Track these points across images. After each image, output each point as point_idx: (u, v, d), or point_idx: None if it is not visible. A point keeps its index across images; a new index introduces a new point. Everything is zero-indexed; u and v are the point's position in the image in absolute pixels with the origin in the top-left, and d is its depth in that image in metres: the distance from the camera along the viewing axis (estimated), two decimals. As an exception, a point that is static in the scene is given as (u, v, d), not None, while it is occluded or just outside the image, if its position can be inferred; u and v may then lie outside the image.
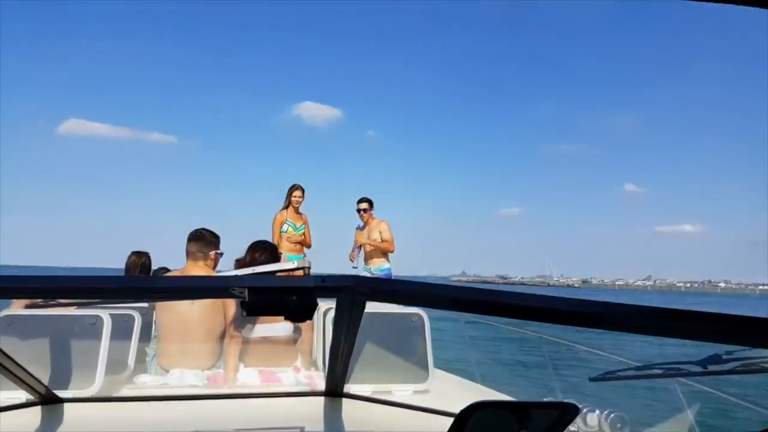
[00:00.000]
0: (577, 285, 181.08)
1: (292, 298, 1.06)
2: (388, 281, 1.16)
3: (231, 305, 3.11)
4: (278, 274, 2.18)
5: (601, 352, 3.18)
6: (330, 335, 2.94)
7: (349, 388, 2.65)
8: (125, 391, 2.71)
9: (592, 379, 1.92)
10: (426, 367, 2.98)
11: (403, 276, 6.87)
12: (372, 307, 3.71)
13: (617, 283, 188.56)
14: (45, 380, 2.55)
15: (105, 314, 2.82)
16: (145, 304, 3.41)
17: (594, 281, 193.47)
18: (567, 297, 0.99)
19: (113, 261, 5.29)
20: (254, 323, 3.10)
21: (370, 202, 6.81)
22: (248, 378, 2.92)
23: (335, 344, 1.84)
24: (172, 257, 3.45)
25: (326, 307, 3.81)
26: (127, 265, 5.20)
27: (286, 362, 3.19)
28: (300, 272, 1.49)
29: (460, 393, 3.16)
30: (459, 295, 1.08)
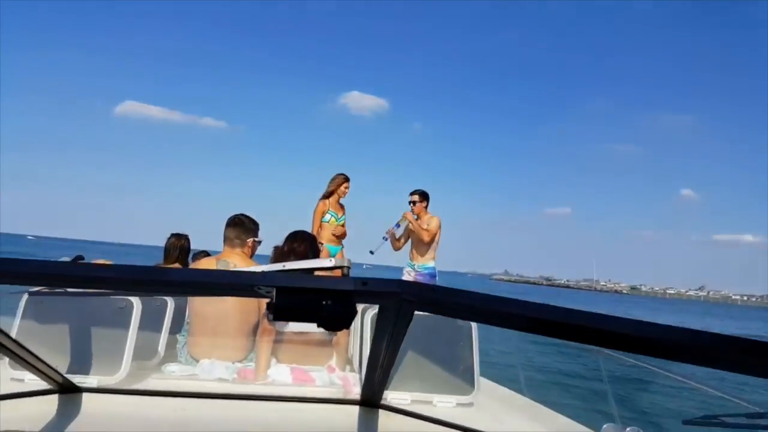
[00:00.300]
0: (625, 291, 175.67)
1: (327, 303, 0.92)
2: (441, 290, 0.94)
3: None
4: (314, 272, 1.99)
5: (684, 380, 2.81)
6: (368, 335, 2.74)
7: (387, 394, 2.45)
8: (151, 382, 2.57)
9: (686, 422, 1.57)
10: (471, 378, 2.73)
11: (442, 272, 6.54)
12: None
13: (668, 291, 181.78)
14: (67, 365, 2.45)
15: (136, 299, 2.69)
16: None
17: (643, 288, 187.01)
18: (648, 321, 0.81)
19: (162, 239, 5.26)
20: None
21: (423, 195, 6.43)
22: (279, 375, 2.74)
23: (375, 353, 1.63)
24: (216, 240, 3.32)
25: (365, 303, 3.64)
26: (167, 246, 5.15)
27: (320, 360, 3.01)
28: (338, 272, 1.27)
29: (508, 410, 2.89)
30: (529, 314, 0.87)
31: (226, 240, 3.25)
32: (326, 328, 0.95)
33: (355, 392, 2.70)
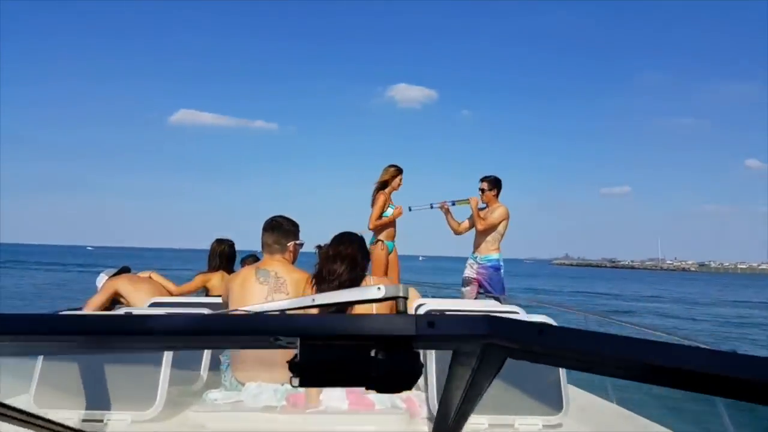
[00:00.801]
0: (693, 269, 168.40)
1: (377, 355, 0.64)
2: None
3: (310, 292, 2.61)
4: (353, 307, 1.59)
5: None
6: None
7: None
8: (190, 415, 2.27)
9: None
10: (559, 395, 2.32)
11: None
12: (482, 307, 3.07)
13: (740, 266, 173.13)
14: (96, 401, 2.18)
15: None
16: (217, 300, 3.00)
17: (713, 264, 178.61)
18: None
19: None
20: None
21: (493, 182, 5.91)
22: (333, 399, 2.39)
23: (450, 394, 1.24)
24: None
25: (423, 303, 3.22)
26: (210, 251, 4.91)
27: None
28: (388, 305, 0.89)
29: (604, 428, 2.44)
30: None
31: (265, 246, 2.95)
32: (379, 391, 0.65)
33: (422, 414, 2.34)
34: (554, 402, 2.30)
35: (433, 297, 3.90)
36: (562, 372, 2.34)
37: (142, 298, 3.93)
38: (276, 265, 2.85)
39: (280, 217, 3.01)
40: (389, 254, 5.63)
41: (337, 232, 2.90)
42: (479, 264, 5.93)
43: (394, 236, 5.72)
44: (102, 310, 4.03)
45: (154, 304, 3.35)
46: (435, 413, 2.13)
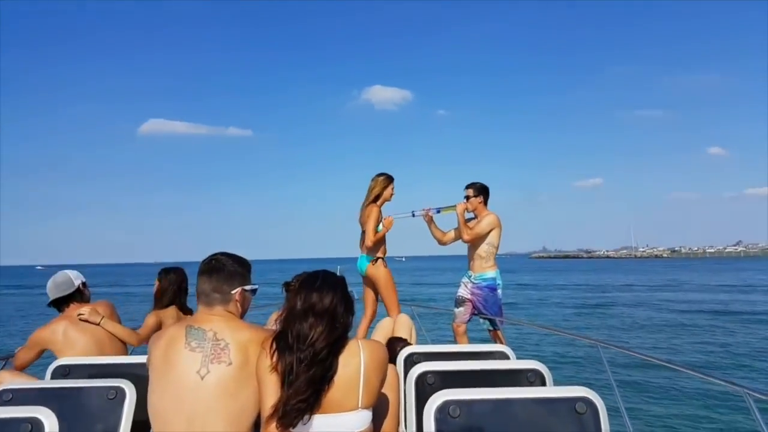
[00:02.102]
0: (665, 255, 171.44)
1: None
2: None
3: (266, 371, 1.89)
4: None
5: None
6: (433, 426, 1.69)
7: None
8: None
9: None
10: None
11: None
12: (495, 364, 2.42)
13: (708, 250, 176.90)
14: None
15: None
16: (141, 360, 2.28)
17: (683, 250, 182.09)
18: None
19: (198, 254, 4.14)
20: (311, 411, 1.86)
21: (480, 189, 5.34)
22: None
23: None
24: (251, 253, 2.28)
25: (412, 352, 2.61)
26: (157, 288, 4.12)
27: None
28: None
29: None
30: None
31: (201, 296, 2.17)
32: None
33: None
34: None
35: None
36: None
37: (76, 352, 3.21)
38: (215, 322, 2.09)
39: (223, 254, 2.23)
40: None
41: (313, 271, 2.11)
42: (473, 283, 5.31)
43: (386, 252, 5.07)
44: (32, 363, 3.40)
45: (59, 369, 2.62)
46: None
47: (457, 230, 5.38)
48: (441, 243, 5.52)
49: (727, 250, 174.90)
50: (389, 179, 5.07)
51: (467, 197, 5.31)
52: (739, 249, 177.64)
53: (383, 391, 2.15)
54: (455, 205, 5.31)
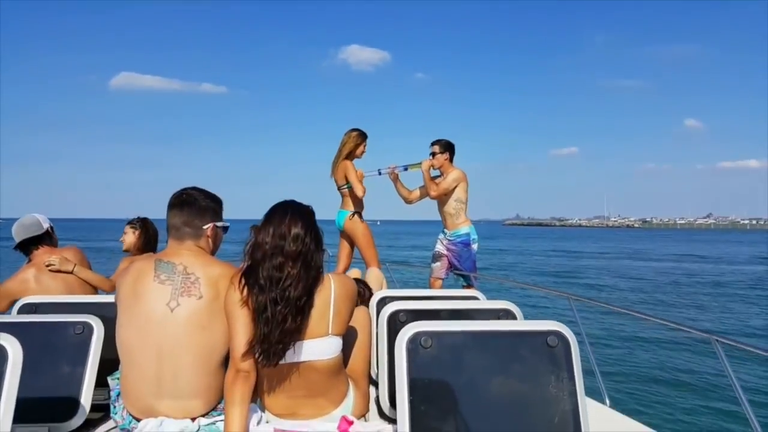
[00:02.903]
0: (637, 225, 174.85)
1: None
2: None
3: (236, 306, 1.86)
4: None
5: None
6: (405, 356, 1.69)
7: None
8: None
9: None
10: (576, 427, 1.69)
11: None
12: (467, 304, 2.42)
13: (679, 222, 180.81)
14: None
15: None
16: (110, 299, 2.24)
17: (654, 221, 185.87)
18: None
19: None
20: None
21: (445, 145, 5.28)
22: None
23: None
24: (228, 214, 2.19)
25: (384, 296, 2.60)
26: (136, 237, 4.04)
27: (328, 404, 1.97)
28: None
29: None
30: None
31: (171, 229, 2.10)
32: None
33: None
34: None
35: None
36: (581, 398, 1.70)
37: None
38: (185, 257, 2.03)
39: (194, 189, 2.16)
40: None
41: (281, 202, 2.00)
42: (449, 240, 5.32)
43: (363, 208, 5.04)
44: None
45: (25, 306, 2.56)
46: None
47: (423, 188, 5.36)
48: (407, 201, 5.51)
49: (697, 222, 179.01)
50: (362, 136, 4.98)
51: (433, 154, 5.26)
52: (710, 221, 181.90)
53: (354, 327, 2.15)
54: (420, 162, 5.27)
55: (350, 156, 4.92)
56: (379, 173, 5.21)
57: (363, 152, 4.99)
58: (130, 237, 4.04)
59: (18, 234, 3.45)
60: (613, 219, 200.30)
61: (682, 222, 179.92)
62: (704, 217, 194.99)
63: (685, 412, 6.97)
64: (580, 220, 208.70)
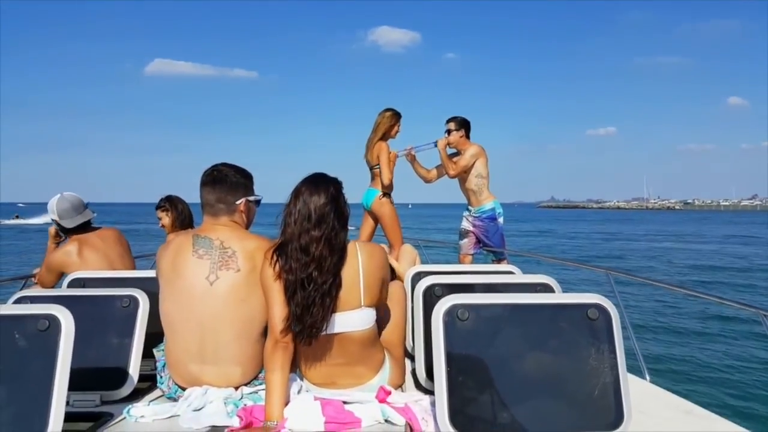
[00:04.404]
0: (678, 207, 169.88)
1: None
2: None
3: (271, 280, 1.89)
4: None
5: None
6: (441, 329, 1.69)
7: None
8: None
9: None
10: (617, 400, 1.66)
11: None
12: (503, 279, 2.40)
13: (723, 204, 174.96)
14: None
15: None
16: (152, 274, 2.30)
17: (696, 203, 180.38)
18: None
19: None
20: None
21: (461, 122, 5.20)
22: (304, 417, 1.72)
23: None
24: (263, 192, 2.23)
25: (419, 271, 2.59)
26: (172, 214, 4.16)
27: (366, 374, 1.99)
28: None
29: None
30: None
31: (205, 206, 2.16)
32: None
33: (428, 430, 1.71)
34: (610, 409, 1.65)
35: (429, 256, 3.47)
36: (622, 371, 1.68)
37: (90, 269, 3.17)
38: (221, 232, 2.09)
39: (224, 165, 2.20)
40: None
41: (312, 175, 2.00)
42: (474, 216, 5.28)
43: (393, 189, 5.02)
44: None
45: (74, 281, 2.66)
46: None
47: (440, 167, 5.31)
48: (426, 181, 5.45)
49: (742, 204, 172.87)
50: (396, 116, 4.94)
51: (448, 131, 5.19)
52: (756, 202, 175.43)
53: (389, 304, 2.17)
54: (436, 141, 5.21)
55: (385, 137, 4.91)
56: (398, 155, 5.10)
57: (398, 132, 4.96)
58: (165, 220, 4.20)
59: (68, 213, 3.33)
60: (652, 201, 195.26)
61: (726, 204, 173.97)
62: (749, 199, 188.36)
63: (730, 390, 6.76)
64: (618, 202, 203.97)
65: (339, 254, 1.89)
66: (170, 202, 4.21)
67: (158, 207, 4.25)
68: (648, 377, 2.56)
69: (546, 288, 2.28)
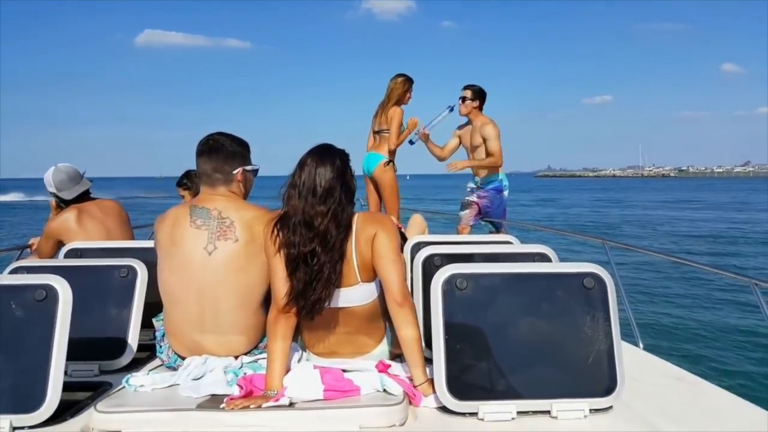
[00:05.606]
0: (672, 174, 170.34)
1: None
2: None
3: (273, 252, 1.87)
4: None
5: None
6: (440, 298, 1.70)
7: (479, 406, 1.62)
8: (97, 417, 1.60)
9: None
10: (611, 367, 1.70)
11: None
12: (501, 248, 2.41)
13: (716, 170, 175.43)
14: None
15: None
16: (150, 244, 2.30)
17: (691, 170, 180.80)
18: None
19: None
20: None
21: (477, 92, 5.12)
22: (303, 386, 1.74)
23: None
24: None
25: (419, 241, 2.60)
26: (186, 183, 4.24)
27: (368, 343, 2.01)
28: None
29: (678, 406, 1.82)
30: None
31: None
32: None
33: (429, 403, 1.74)
34: (604, 377, 1.68)
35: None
36: (616, 339, 1.71)
37: (89, 239, 3.13)
38: (219, 202, 2.08)
39: (220, 134, 2.17)
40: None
41: (317, 146, 1.94)
42: (479, 188, 5.28)
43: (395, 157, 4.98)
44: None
45: (71, 251, 2.66)
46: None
47: (451, 143, 5.36)
48: (441, 159, 5.40)
49: (735, 170, 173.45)
50: (409, 81, 4.88)
51: (463, 98, 5.12)
52: (749, 169, 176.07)
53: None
54: (452, 107, 5.12)
55: (398, 102, 4.84)
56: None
57: (410, 98, 4.92)
58: (188, 197, 4.21)
59: (65, 185, 3.27)
60: (648, 168, 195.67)
61: (720, 170, 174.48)
62: (742, 165, 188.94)
63: (721, 358, 6.91)
64: (613, 170, 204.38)
65: (345, 231, 1.85)
66: (189, 179, 4.24)
67: (179, 184, 4.30)
68: (641, 345, 2.61)
69: (543, 257, 2.30)
